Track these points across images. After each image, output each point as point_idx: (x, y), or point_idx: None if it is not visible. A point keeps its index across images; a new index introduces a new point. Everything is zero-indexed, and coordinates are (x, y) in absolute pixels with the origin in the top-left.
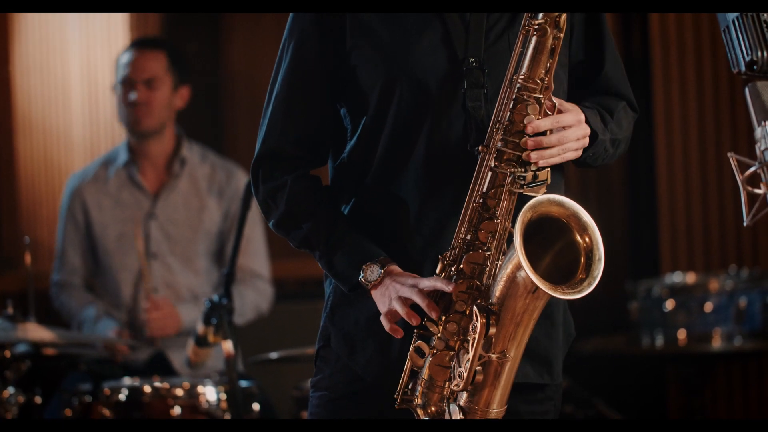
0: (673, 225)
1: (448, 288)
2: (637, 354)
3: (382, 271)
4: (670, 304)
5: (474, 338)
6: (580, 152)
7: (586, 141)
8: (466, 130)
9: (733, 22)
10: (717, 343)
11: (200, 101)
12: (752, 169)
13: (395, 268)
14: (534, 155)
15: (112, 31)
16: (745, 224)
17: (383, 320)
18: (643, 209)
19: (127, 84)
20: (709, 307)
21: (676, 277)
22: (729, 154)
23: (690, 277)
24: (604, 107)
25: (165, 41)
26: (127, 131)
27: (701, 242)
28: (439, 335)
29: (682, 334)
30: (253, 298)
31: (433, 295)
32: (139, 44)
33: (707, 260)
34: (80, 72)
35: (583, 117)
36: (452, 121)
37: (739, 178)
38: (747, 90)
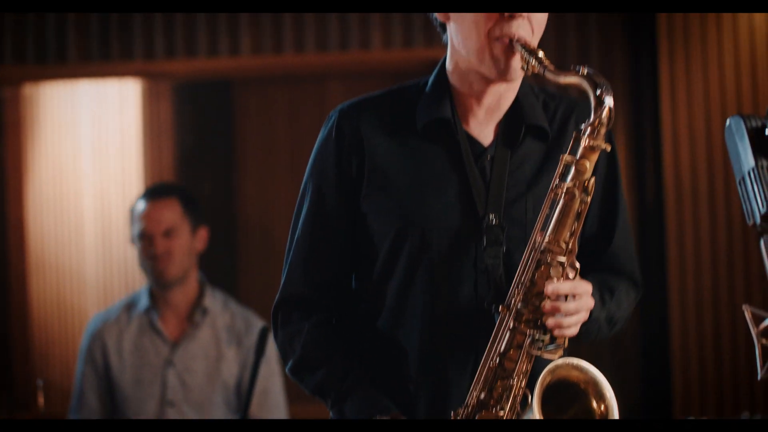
0: (686, 370)
1: None
2: None
3: None
4: None
5: None
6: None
7: (587, 315)
8: (476, 287)
9: (749, 173)
10: None
11: (213, 241)
12: (766, 321)
13: None
14: (551, 321)
15: (126, 173)
16: (759, 377)
17: None
18: (656, 356)
19: (146, 237)
20: None
21: None
22: (744, 307)
23: None
24: (606, 285)
25: (176, 186)
26: (152, 283)
27: (714, 388)
28: None
29: None
30: None
31: None
32: (152, 194)
33: (720, 406)
34: (93, 212)
35: (590, 288)
36: (463, 278)
37: (753, 331)
38: (762, 242)
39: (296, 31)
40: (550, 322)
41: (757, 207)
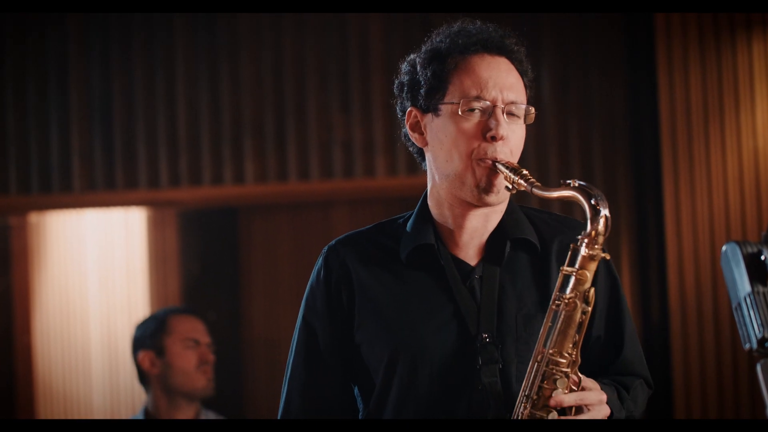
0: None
1: None
2: None
3: None
4: None
5: None
6: None
7: None
8: (470, 407)
9: (745, 299)
10: None
11: (219, 366)
12: None
13: None
14: None
15: (132, 300)
16: None
17: None
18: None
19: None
20: None
21: None
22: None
23: None
24: (622, 384)
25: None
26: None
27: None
28: None
29: None
30: None
31: None
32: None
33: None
34: (100, 339)
35: (605, 397)
36: (459, 399)
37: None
38: (759, 367)
39: (300, 159)
40: None
41: (754, 332)
